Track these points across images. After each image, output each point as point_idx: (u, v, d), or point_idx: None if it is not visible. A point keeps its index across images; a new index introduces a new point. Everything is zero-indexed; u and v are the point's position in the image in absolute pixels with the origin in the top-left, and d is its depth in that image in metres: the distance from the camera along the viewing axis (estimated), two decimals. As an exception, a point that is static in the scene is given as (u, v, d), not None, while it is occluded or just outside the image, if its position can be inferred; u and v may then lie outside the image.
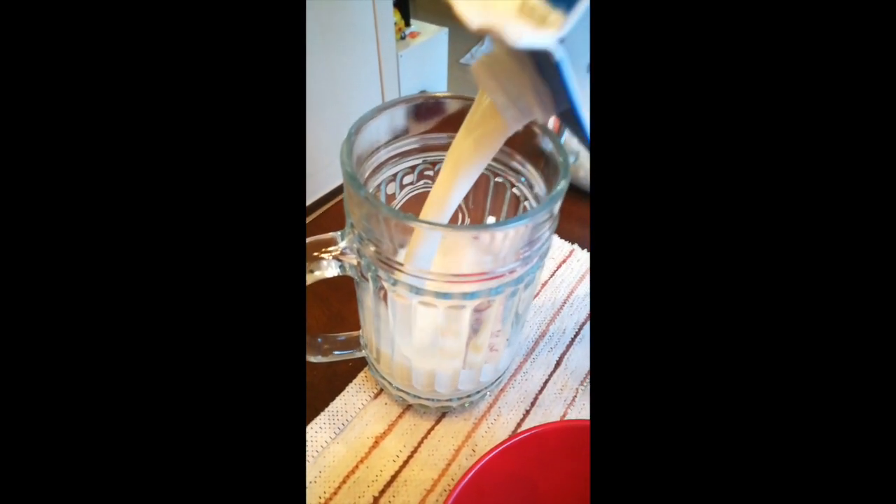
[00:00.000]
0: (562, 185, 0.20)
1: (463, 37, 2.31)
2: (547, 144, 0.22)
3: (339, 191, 1.10)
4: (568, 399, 0.32)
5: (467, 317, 0.23)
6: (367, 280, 0.23)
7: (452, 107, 0.25)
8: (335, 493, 0.28)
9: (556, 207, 0.21)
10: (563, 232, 0.42)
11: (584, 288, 0.38)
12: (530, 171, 0.24)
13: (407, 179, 0.27)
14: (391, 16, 1.17)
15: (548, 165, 0.23)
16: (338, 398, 0.31)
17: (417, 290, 0.21)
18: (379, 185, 0.26)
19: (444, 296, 0.21)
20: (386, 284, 0.22)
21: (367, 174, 0.24)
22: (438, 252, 0.21)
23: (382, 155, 0.25)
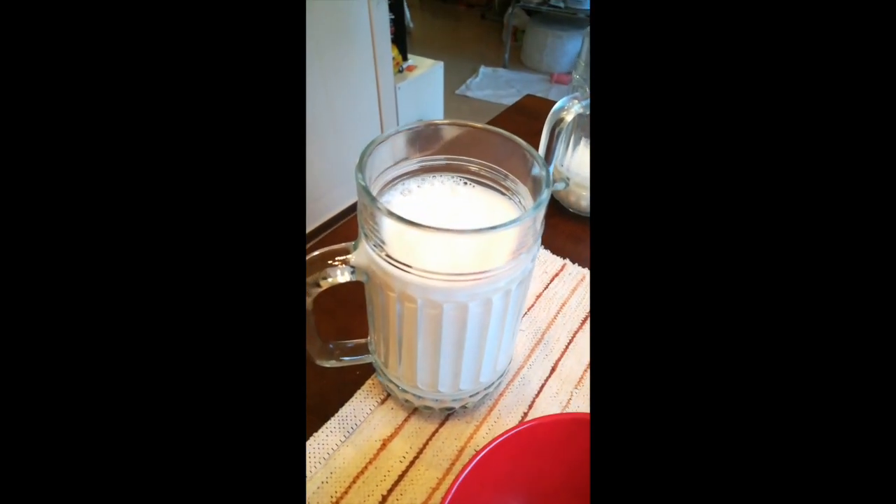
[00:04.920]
0: (544, 195, 0.23)
1: (458, 69, 2.39)
2: (535, 169, 0.26)
3: (339, 217, 1.13)
4: (563, 402, 0.34)
5: (469, 313, 0.25)
6: (376, 283, 0.26)
7: (450, 133, 0.28)
8: (346, 493, 0.29)
9: (540, 215, 0.24)
10: (556, 248, 0.45)
11: (576, 299, 0.41)
12: (521, 189, 0.28)
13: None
14: (389, 51, 1.23)
15: (535, 184, 0.26)
16: (347, 404, 0.33)
17: (424, 290, 0.24)
18: (386, 199, 0.29)
19: (449, 293, 0.24)
20: (395, 286, 0.25)
21: (375, 192, 0.27)
22: (442, 254, 0.24)
23: (389, 174, 0.28)
